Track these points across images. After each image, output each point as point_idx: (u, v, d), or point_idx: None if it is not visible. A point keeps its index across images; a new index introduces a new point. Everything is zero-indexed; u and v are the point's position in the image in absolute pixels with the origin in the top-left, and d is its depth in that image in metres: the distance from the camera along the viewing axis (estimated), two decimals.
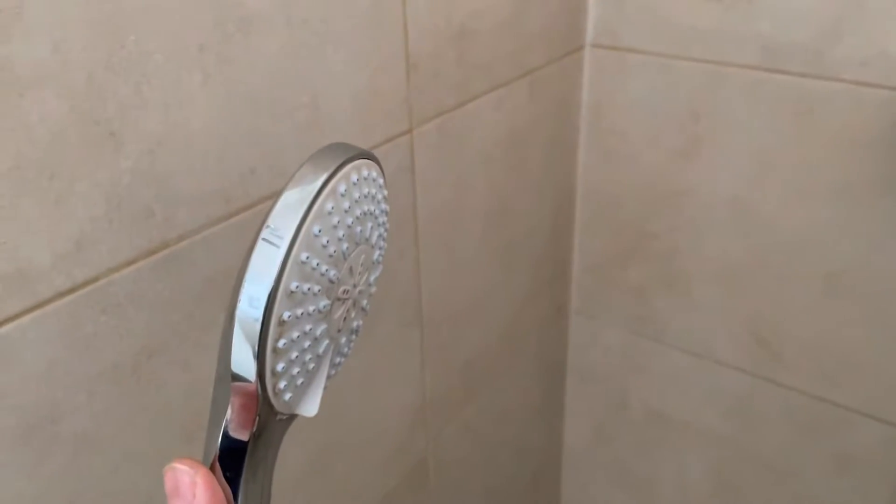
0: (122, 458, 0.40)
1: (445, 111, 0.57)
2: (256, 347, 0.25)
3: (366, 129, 0.50)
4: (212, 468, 0.27)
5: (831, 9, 0.58)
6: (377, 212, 0.29)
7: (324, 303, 0.27)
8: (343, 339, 0.30)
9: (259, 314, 0.25)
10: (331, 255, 0.26)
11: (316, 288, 0.26)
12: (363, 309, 0.31)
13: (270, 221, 0.25)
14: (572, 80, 0.72)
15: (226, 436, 0.27)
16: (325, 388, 0.30)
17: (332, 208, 0.26)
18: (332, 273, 0.27)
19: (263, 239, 0.25)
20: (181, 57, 0.37)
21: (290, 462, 0.53)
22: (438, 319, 0.63)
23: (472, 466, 0.77)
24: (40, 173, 0.33)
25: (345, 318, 0.29)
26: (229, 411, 0.27)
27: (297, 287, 0.26)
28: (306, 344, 0.27)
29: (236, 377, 0.26)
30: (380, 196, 0.29)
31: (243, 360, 0.26)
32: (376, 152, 0.51)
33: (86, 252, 0.35)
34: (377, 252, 0.30)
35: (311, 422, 0.53)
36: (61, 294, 0.35)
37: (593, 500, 0.96)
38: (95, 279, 0.36)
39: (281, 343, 0.26)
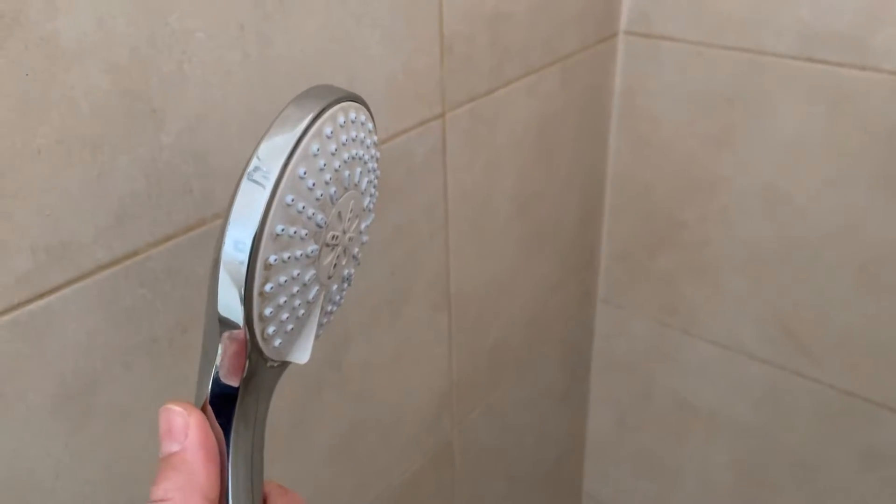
0: (155, 431, 0.41)
1: (478, 96, 0.56)
2: (243, 291, 0.25)
3: (399, 112, 0.50)
4: (203, 411, 0.27)
5: None
6: (366, 157, 0.29)
7: (311, 247, 0.27)
8: (334, 287, 0.30)
9: (244, 257, 0.25)
10: (317, 199, 0.26)
11: (303, 232, 0.26)
12: (354, 257, 0.30)
13: (255, 161, 0.25)
14: (605, 66, 0.72)
15: (216, 381, 0.27)
16: (318, 336, 0.30)
17: (318, 150, 0.26)
18: (319, 217, 0.26)
19: (248, 179, 0.25)
20: (222, 35, 0.37)
21: (318, 440, 0.53)
22: (466, 303, 0.64)
23: (497, 451, 0.77)
24: (83, 147, 0.33)
25: (335, 265, 0.29)
26: (219, 357, 0.27)
27: (283, 230, 0.25)
28: (294, 289, 0.27)
29: (224, 322, 0.26)
30: (368, 141, 0.29)
31: (230, 304, 0.26)
32: (409, 135, 0.51)
33: (126, 226, 0.36)
34: (367, 199, 0.30)
35: (340, 400, 0.54)
36: (102, 267, 0.35)
37: (616, 489, 0.96)
38: (135, 253, 0.37)
39: (268, 287, 0.26)
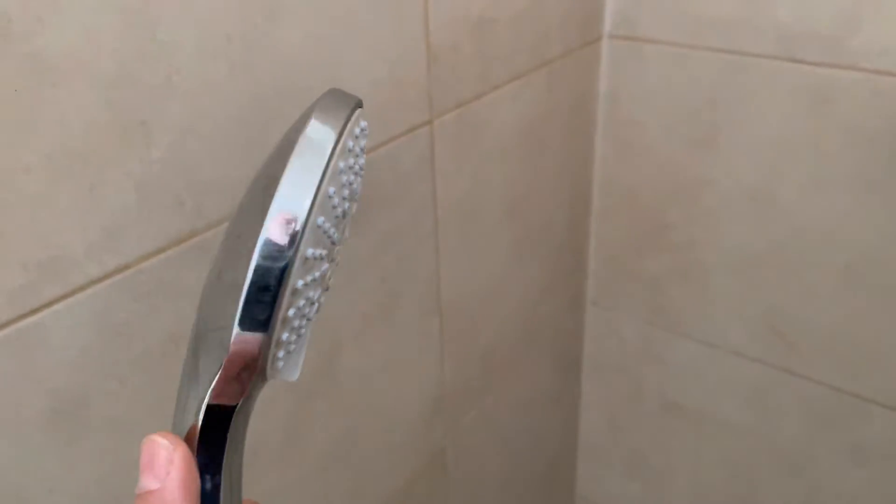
0: None
1: (465, 102, 0.57)
2: (268, 317, 0.24)
3: (387, 120, 0.50)
4: (188, 441, 0.26)
5: None
6: (363, 163, 0.28)
7: (325, 267, 0.26)
8: (323, 299, 0.29)
9: (275, 284, 0.24)
10: (336, 217, 0.25)
11: (323, 252, 0.25)
12: (338, 264, 0.30)
13: (285, 189, 0.24)
14: (590, 70, 0.73)
15: (212, 408, 0.25)
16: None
17: (343, 167, 0.25)
18: (335, 235, 0.26)
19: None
20: (209, 47, 0.37)
21: (312, 448, 0.53)
22: (457, 309, 0.64)
23: (490, 455, 0.77)
24: (73, 162, 0.33)
25: (330, 278, 0.28)
26: (217, 379, 0.25)
27: (312, 254, 0.25)
28: (307, 311, 0.26)
29: (239, 344, 0.25)
30: (364, 146, 0.28)
31: (251, 330, 0.24)
32: (398, 142, 0.52)
33: (117, 240, 0.36)
34: (356, 205, 0.29)
35: (333, 408, 0.54)
36: (93, 281, 0.35)
37: (608, 491, 0.96)
38: (126, 267, 0.37)
39: (290, 312, 0.25)
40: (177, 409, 0.26)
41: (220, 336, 0.25)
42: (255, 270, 0.24)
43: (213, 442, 0.26)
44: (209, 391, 0.25)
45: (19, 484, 0.35)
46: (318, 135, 0.24)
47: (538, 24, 0.62)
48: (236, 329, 0.24)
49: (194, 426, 0.26)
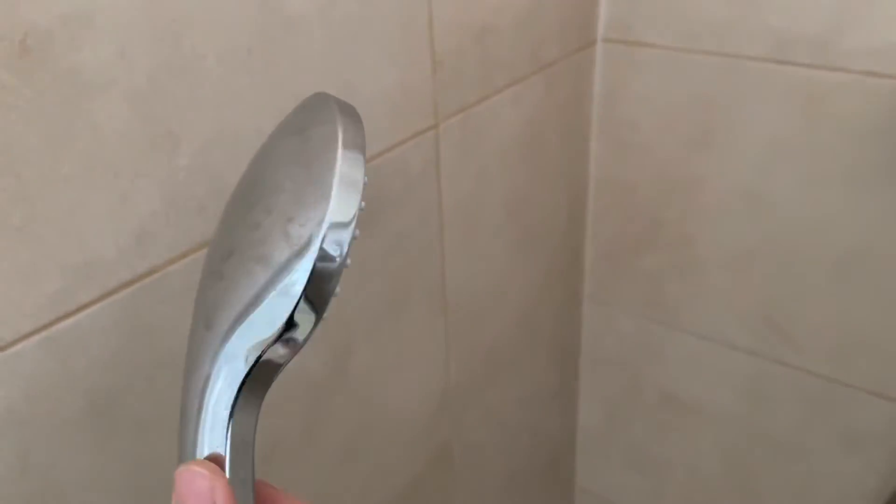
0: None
1: (468, 106, 0.59)
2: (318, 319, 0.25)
3: (395, 125, 0.52)
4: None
5: (839, 0, 0.60)
6: None
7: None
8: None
9: (334, 286, 0.25)
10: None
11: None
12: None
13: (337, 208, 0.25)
14: (585, 73, 0.75)
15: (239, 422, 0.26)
16: None
17: (366, 180, 0.26)
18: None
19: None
20: (231, 59, 0.39)
21: (325, 445, 0.55)
22: (461, 308, 0.66)
23: (494, 450, 0.79)
24: (106, 171, 0.35)
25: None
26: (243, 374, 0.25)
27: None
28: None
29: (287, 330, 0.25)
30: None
31: (303, 325, 0.25)
32: (405, 146, 0.53)
33: (146, 245, 0.37)
34: None
35: (346, 405, 0.55)
36: (125, 285, 0.37)
37: (608, 483, 0.98)
38: (155, 271, 0.38)
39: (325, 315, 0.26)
40: (187, 437, 0.27)
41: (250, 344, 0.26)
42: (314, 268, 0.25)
43: (244, 462, 0.26)
44: (238, 387, 0.26)
45: (58, 481, 0.37)
46: (352, 154, 0.26)
47: (536, 29, 0.64)
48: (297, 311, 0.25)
49: (219, 456, 0.26)
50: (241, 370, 0.26)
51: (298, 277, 0.25)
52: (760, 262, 0.73)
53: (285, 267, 0.25)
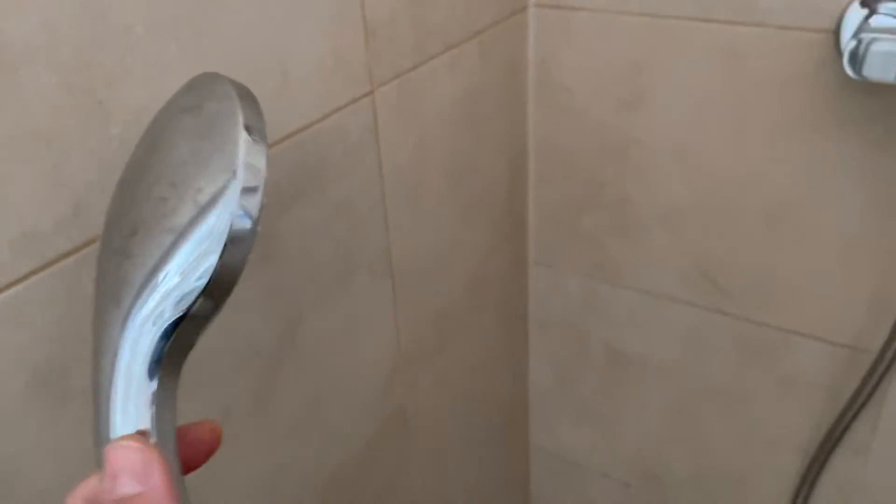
0: None
1: (403, 72, 0.59)
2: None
3: (331, 93, 0.53)
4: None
5: None
6: None
7: None
8: None
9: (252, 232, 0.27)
10: None
11: None
12: None
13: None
14: (519, 39, 0.76)
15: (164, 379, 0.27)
16: None
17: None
18: None
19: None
20: (159, 29, 0.39)
21: (279, 414, 0.56)
22: (408, 274, 0.67)
23: (448, 412, 0.81)
24: (37, 142, 0.35)
25: None
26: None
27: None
28: None
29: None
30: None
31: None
32: (342, 113, 0.54)
33: (83, 216, 0.38)
34: None
35: (297, 374, 0.56)
36: (64, 255, 0.37)
37: (560, 440, 1.01)
38: (93, 241, 0.39)
39: None
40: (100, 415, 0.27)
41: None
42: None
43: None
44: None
45: (6, 454, 0.37)
46: (256, 120, 0.28)
47: None
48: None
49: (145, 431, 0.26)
50: (158, 336, 0.26)
51: (215, 228, 0.26)
52: (694, 217, 0.76)
53: (199, 226, 0.26)
